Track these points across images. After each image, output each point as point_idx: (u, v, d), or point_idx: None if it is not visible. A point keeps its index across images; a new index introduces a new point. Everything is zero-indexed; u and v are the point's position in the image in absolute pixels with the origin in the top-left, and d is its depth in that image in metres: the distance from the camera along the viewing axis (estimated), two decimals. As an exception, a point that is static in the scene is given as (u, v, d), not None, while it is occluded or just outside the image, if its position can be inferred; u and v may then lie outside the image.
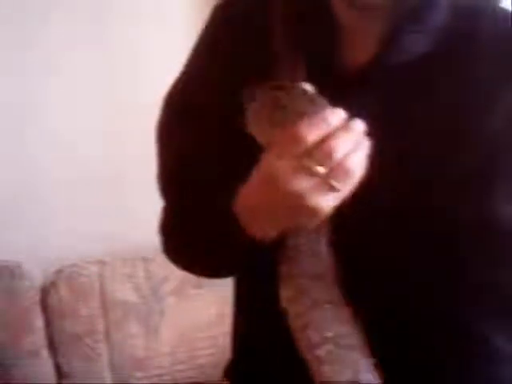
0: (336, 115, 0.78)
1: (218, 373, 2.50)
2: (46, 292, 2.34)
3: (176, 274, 2.44)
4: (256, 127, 0.82)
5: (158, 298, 2.40)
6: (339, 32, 0.90)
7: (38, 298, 2.32)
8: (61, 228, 2.48)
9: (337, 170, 0.76)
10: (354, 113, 0.80)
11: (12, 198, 2.42)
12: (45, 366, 2.30)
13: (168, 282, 2.42)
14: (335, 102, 0.81)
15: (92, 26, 2.47)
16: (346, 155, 0.77)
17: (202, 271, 1.05)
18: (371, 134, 0.80)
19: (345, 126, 0.78)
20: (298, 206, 0.78)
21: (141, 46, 2.54)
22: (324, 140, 0.77)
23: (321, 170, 0.76)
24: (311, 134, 0.76)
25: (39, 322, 2.31)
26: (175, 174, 1.02)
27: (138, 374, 2.34)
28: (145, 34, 2.53)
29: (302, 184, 0.77)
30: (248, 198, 0.83)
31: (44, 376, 2.29)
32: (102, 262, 2.40)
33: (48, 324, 2.32)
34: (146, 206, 2.59)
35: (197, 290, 2.41)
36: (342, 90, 0.85)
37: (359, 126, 0.78)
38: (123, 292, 2.38)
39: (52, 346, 2.32)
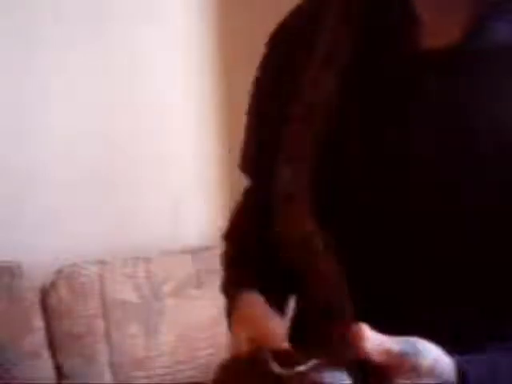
0: None
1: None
2: (45, 292, 2.34)
3: (176, 275, 2.44)
4: None
5: (158, 298, 2.40)
6: (414, 17, 0.91)
7: (37, 298, 2.32)
8: (61, 228, 2.47)
9: None
10: (433, 98, 0.83)
11: (12, 198, 2.42)
12: (45, 366, 2.30)
13: (168, 282, 2.41)
14: (414, 86, 0.84)
15: (92, 26, 2.47)
16: None
17: None
18: (450, 118, 0.83)
19: None
20: None
21: (141, 46, 2.54)
22: None
23: None
24: None
25: (39, 322, 2.31)
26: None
27: (138, 374, 2.33)
28: (145, 34, 2.53)
29: None
30: None
31: (44, 376, 2.29)
32: (102, 262, 2.40)
33: (48, 324, 2.32)
34: (146, 206, 2.60)
35: (197, 290, 2.41)
36: (421, 74, 0.87)
37: None
38: (123, 292, 2.38)
39: (52, 346, 2.32)
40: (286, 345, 0.85)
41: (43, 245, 2.45)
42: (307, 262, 0.92)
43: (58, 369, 2.32)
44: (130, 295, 2.38)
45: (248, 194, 1.13)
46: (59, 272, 2.35)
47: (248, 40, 2.61)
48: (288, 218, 0.93)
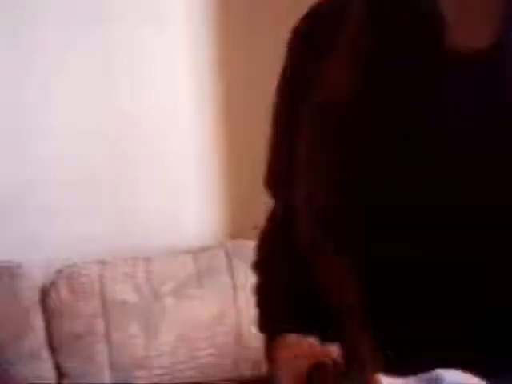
0: None
1: (218, 373, 2.51)
2: (45, 292, 2.34)
3: (176, 275, 2.44)
4: None
5: (157, 298, 2.40)
6: (441, 17, 0.89)
7: (37, 298, 2.32)
8: (61, 228, 2.48)
9: None
10: (464, 96, 0.82)
11: (12, 198, 2.42)
12: (45, 366, 2.30)
13: (168, 282, 2.41)
14: (446, 83, 0.84)
15: (92, 26, 2.47)
16: None
17: None
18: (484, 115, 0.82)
19: None
20: None
21: (141, 46, 2.54)
22: None
23: None
24: None
25: (39, 322, 2.31)
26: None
27: (138, 374, 2.33)
28: (145, 34, 2.53)
29: None
30: None
31: (44, 376, 2.29)
32: (102, 262, 2.40)
33: (48, 324, 2.32)
34: (146, 206, 2.60)
35: (197, 290, 2.41)
36: (455, 72, 0.86)
37: None
38: (123, 292, 2.38)
39: (52, 346, 2.32)
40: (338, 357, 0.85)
41: (43, 245, 2.46)
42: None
43: (58, 369, 2.32)
44: (130, 295, 2.38)
45: (277, 217, 1.07)
46: (59, 272, 2.36)
47: (248, 40, 2.61)
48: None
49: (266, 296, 1.03)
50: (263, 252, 1.06)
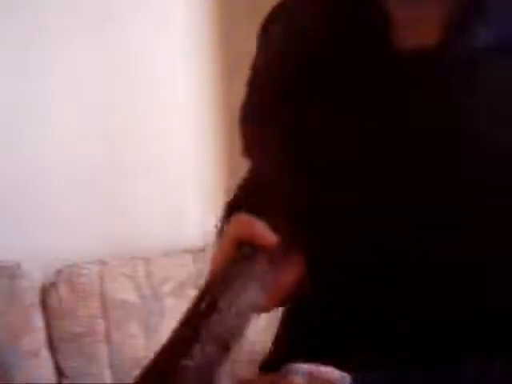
0: None
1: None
2: (45, 292, 2.34)
3: (176, 275, 2.44)
4: None
5: (158, 298, 2.40)
6: (389, 20, 0.87)
7: (37, 298, 2.32)
8: (61, 228, 2.48)
9: None
10: (410, 99, 0.82)
11: (12, 198, 2.42)
12: (45, 366, 2.30)
13: (168, 282, 2.42)
14: (392, 88, 0.83)
15: (92, 26, 2.47)
16: None
17: None
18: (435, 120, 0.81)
19: None
20: None
21: (141, 46, 2.54)
22: None
23: None
24: None
25: (39, 322, 2.31)
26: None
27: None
28: (145, 34, 2.53)
29: None
30: None
31: (44, 376, 2.29)
32: (102, 262, 2.40)
33: (48, 324, 2.32)
34: (146, 206, 2.60)
35: (197, 290, 2.41)
36: (401, 76, 0.85)
37: None
38: (123, 292, 2.38)
39: (52, 346, 2.32)
40: (273, 241, 0.88)
41: (43, 245, 2.46)
42: None
43: (58, 369, 2.32)
44: (130, 295, 2.38)
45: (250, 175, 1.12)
46: (59, 272, 2.36)
47: (248, 40, 2.61)
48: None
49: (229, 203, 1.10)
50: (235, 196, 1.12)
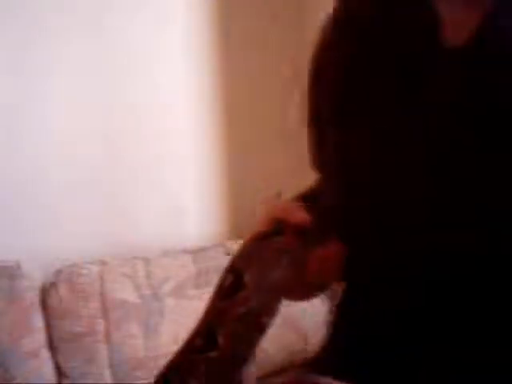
0: None
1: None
2: (45, 292, 2.34)
3: (176, 275, 2.44)
4: None
5: (157, 298, 2.40)
6: (435, 12, 0.90)
7: (37, 298, 2.32)
8: (61, 228, 2.48)
9: None
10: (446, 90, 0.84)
11: (12, 198, 2.42)
12: (45, 366, 2.30)
13: (168, 282, 2.42)
14: (435, 80, 0.85)
15: (92, 26, 2.47)
16: None
17: None
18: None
19: None
20: None
21: (141, 45, 2.54)
22: None
23: None
24: None
25: (39, 322, 2.31)
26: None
27: (138, 374, 2.33)
28: (145, 33, 2.53)
29: None
30: None
31: (44, 376, 2.29)
32: (102, 262, 2.40)
33: (48, 324, 2.32)
34: (146, 206, 2.60)
35: (197, 290, 2.41)
36: (434, 72, 0.87)
37: None
38: (123, 292, 2.38)
39: (52, 346, 2.32)
40: (305, 220, 0.90)
41: (43, 245, 2.45)
42: None
43: (58, 369, 2.32)
44: (130, 295, 2.38)
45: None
46: (59, 272, 2.35)
47: (248, 40, 2.61)
48: None
49: None
50: None
